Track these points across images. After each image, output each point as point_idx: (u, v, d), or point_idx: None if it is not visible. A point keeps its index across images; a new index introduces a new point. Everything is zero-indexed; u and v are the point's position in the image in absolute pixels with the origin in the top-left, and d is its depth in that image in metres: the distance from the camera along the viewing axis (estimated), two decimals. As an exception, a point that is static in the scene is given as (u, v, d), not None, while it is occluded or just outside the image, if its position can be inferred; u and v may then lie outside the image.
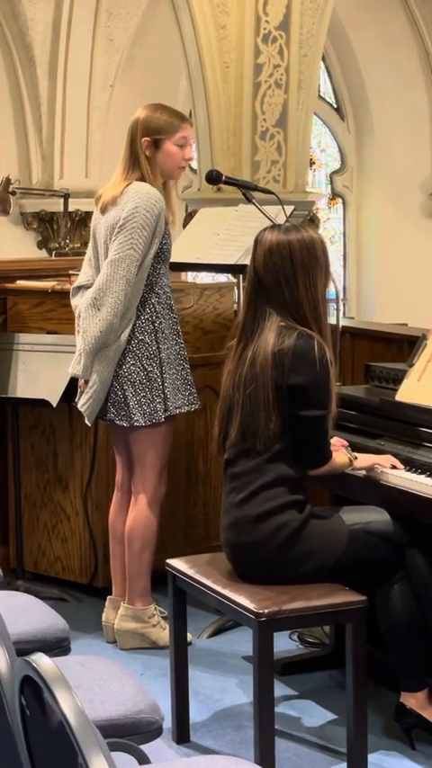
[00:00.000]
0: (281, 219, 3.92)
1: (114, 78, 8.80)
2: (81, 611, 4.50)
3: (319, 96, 10.25)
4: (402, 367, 3.67)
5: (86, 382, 4.04)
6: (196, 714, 3.56)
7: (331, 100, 10.97)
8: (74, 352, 4.09)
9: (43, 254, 8.55)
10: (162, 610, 4.15)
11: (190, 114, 7.98)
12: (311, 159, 10.31)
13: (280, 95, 8.21)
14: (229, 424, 3.28)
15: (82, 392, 4.08)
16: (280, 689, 3.65)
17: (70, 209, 6.53)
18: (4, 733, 1.82)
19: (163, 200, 3.99)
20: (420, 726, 3.30)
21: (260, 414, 3.17)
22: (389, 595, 3.28)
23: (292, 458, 3.20)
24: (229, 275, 4.93)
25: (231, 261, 4.18)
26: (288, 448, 3.19)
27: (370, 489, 3.38)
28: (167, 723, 3.01)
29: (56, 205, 8.12)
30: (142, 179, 3.99)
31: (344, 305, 10.19)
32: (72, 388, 4.22)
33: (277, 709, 3.32)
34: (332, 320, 3.82)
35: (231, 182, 4.17)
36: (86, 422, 4.09)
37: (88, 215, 6.58)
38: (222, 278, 5.36)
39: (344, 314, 9.30)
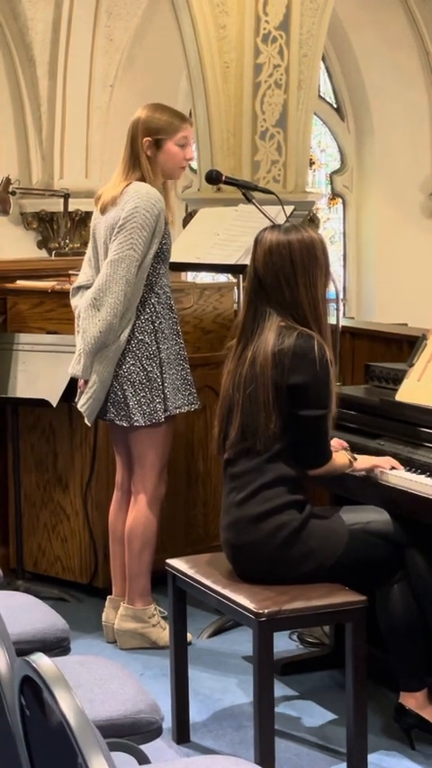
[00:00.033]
0: (281, 219, 3.92)
1: (114, 78, 8.80)
2: (81, 611, 4.50)
3: (319, 96, 10.25)
4: (402, 367, 3.67)
5: (86, 382, 4.04)
6: (196, 714, 3.56)
7: (331, 100, 10.97)
8: (74, 352, 4.09)
9: (43, 254, 8.55)
10: (162, 610, 4.15)
11: (190, 114, 7.98)
12: (311, 159, 10.31)
13: (280, 95, 8.21)
14: (229, 424, 3.28)
15: (82, 392, 4.08)
16: (280, 689, 3.65)
17: (70, 209, 6.53)
18: (4, 733, 1.82)
19: (163, 200, 3.99)
20: (420, 726, 3.30)
21: (260, 414, 3.17)
22: (389, 595, 3.28)
23: (292, 458, 3.20)
24: (229, 275, 4.93)
25: (231, 261, 4.18)
26: (288, 448, 3.19)
27: (370, 489, 3.38)
28: (167, 723, 3.01)
29: (56, 205, 8.12)
30: (142, 179, 3.99)
31: (344, 305, 10.19)
32: (72, 388, 4.23)
33: (277, 709, 3.32)
34: (332, 320, 3.82)
35: (231, 182, 4.17)
36: (86, 422, 4.09)
37: (88, 215, 6.58)
38: (222, 278, 5.37)
39: (344, 314, 9.30)
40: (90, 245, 4.14)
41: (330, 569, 3.20)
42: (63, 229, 7.72)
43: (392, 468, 3.33)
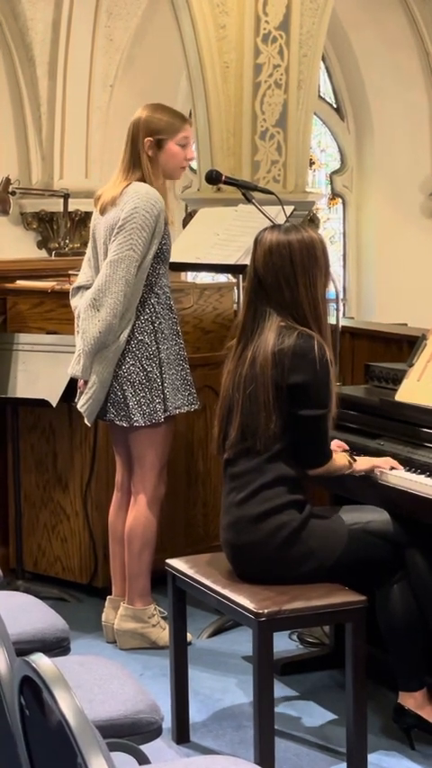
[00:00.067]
0: (281, 219, 3.92)
1: (114, 78, 8.79)
2: (81, 611, 4.50)
3: (319, 96, 10.25)
4: (402, 367, 3.67)
5: (86, 383, 4.04)
6: (196, 714, 3.56)
7: (331, 100, 10.97)
8: (74, 353, 4.09)
9: (43, 254, 8.54)
10: (162, 610, 4.15)
11: (190, 114, 7.99)
12: (311, 159, 10.31)
13: (280, 95, 8.21)
14: (228, 424, 3.28)
15: (81, 393, 4.08)
16: (280, 689, 3.65)
17: (70, 209, 6.54)
18: (4, 733, 1.82)
19: (162, 200, 3.98)
20: (419, 726, 3.30)
21: (260, 413, 3.17)
22: (388, 595, 3.28)
23: (291, 458, 3.20)
24: (229, 275, 4.93)
25: (231, 261, 4.18)
26: (288, 448, 3.19)
27: (369, 489, 3.38)
28: (167, 723, 3.02)
29: (56, 205, 8.12)
30: (142, 179, 3.99)
31: (344, 305, 10.19)
32: (72, 388, 4.23)
33: (277, 710, 3.32)
34: (332, 320, 3.82)
35: (231, 182, 4.17)
36: (86, 422, 4.09)
37: (88, 215, 6.58)
38: (222, 278, 5.37)
39: (344, 314, 9.29)
40: (90, 245, 4.14)
41: (330, 569, 3.20)
42: (63, 229, 7.72)
43: (392, 468, 3.33)
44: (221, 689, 3.80)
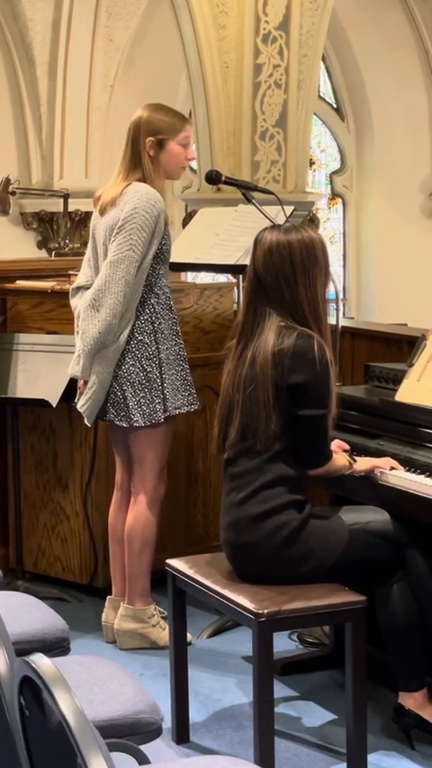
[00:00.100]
0: (280, 220, 3.92)
1: (114, 78, 8.80)
2: (81, 611, 4.50)
3: (319, 96, 10.25)
4: (402, 367, 3.67)
5: (85, 383, 4.04)
6: (196, 714, 3.56)
7: (331, 100, 10.97)
8: (74, 353, 4.09)
9: (43, 254, 8.55)
10: (162, 610, 4.15)
11: (190, 114, 7.99)
12: (311, 159, 10.31)
13: (280, 95, 8.21)
14: (228, 424, 3.28)
15: (81, 393, 4.08)
16: (280, 689, 3.65)
17: (70, 209, 6.54)
18: (4, 733, 1.82)
19: (162, 200, 3.98)
20: (419, 726, 3.30)
21: (260, 413, 3.17)
22: (388, 595, 3.28)
23: (291, 458, 3.20)
24: (229, 275, 4.93)
25: (231, 261, 4.18)
26: (288, 448, 3.19)
27: (369, 490, 3.38)
28: (167, 723, 3.01)
29: (56, 205, 8.12)
30: (143, 179, 3.99)
31: (344, 305, 10.19)
32: (72, 388, 4.23)
33: (277, 710, 3.32)
34: (332, 320, 3.82)
35: (231, 182, 4.17)
36: (86, 422, 4.09)
37: (88, 215, 6.59)
38: (222, 278, 5.37)
39: (344, 314, 9.29)
40: (89, 245, 4.14)
41: (330, 569, 3.20)
42: (63, 229, 7.72)
43: (392, 468, 3.33)
44: (221, 689, 3.80)
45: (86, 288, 4.05)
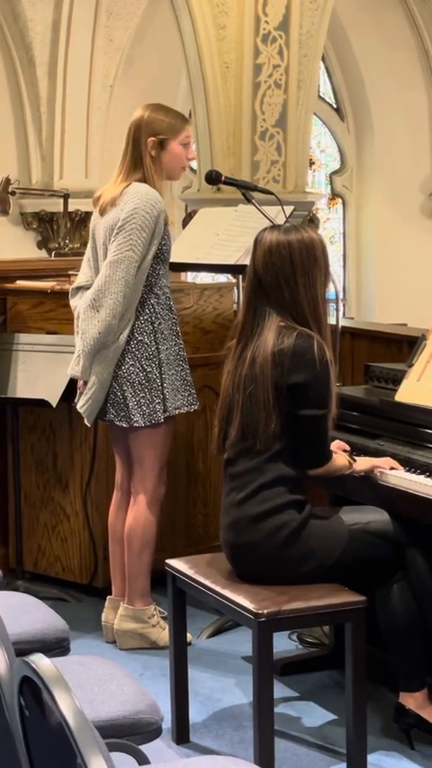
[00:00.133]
0: (280, 220, 3.92)
1: (114, 78, 8.80)
2: (81, 611, 4.50)
3: (319, 96, 10.25)
4: (402, 367, 3.67)
5: (85, 383, 4.04)
6: (196, 714, 3.56)
7: (331, 100, 10.97)
8: (73, 353, 4.09)
9: (43, 254, 8.55)
10: (162, 610, 4.15)
11: (190, 114, 7.99)
12: (311, 159, 10.31)
13: (280, 95, 8.21)
14: (228, 424, 3.28)
15: (81, 393, 4.08)
16: (279, 689, 3.65)
17: (70, 209, 6.54)
18: (4, 733, 1.82)
19: (162, 200, 3.98)
20: (419, 726, 3.30)
21: (260, 413, 3.17)
22: (388, 595, 3.28)
23: (291, 458, 3.20)
24: (229, 275, 4.93)
25: (231, 261, 4.18)
26: (288, 448, 3.19)
27: (369, 490, 3.38)
28: (167, 723, 3.02)
29: (56, 205, 8.12)
30: (143, 179, 3.99)
31: (344, 305, 10.19)
32: (72, 388, 4.23)
33: (277, 710, 3.32)
34: (332, 320, 3.82)
35: (231, 182, 4.17)
36: (86, 422, 4.09)
37: (88, 215, 6.58)
38: (222, 278, 5.36)
39: (344, 314, 9.29)
40: (89, 245, 4.14)
41: (330, 569, 3.20)
42: (63, 229, 7.72)
43: (392, 468, 3.33)
44: (221, 689, 3.80)
45: (86, 288, 4.05)
